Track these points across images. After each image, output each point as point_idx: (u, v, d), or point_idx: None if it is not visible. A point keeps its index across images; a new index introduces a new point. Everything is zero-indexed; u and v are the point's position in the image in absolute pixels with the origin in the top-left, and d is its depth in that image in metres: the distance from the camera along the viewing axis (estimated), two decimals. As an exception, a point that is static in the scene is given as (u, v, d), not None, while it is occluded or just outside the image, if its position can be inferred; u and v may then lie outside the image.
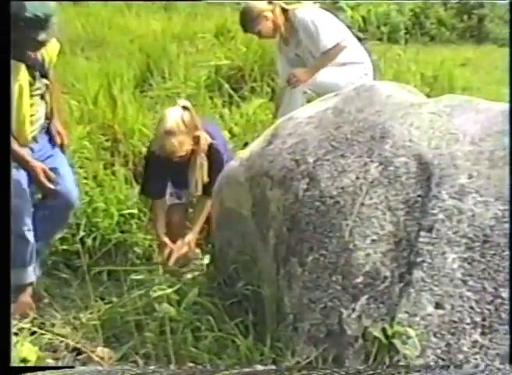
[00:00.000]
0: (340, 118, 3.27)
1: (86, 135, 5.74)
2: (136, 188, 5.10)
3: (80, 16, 9.90)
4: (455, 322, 2.60)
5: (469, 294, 2.64)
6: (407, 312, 2.64)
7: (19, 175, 3.77)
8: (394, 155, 2.98)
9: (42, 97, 3.91)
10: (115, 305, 3.98)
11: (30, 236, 3.95)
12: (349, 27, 5.30)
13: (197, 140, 4.21)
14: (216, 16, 9.32)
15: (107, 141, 5.87)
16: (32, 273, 4.08)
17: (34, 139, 3.91)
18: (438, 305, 2.63)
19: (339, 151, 3.10)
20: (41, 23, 3.58)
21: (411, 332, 2.58)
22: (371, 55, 5.29)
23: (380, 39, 8.55)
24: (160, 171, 4.34)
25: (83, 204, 4.71)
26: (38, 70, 3.84)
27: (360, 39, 5.31)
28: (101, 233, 4.62)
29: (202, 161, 4.26)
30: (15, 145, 3.71)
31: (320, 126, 3.28)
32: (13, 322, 3.61)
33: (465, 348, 2.57)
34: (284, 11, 5.17)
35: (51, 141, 4.06)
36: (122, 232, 4.76)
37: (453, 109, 3.17)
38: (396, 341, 2.58)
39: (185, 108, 4.20)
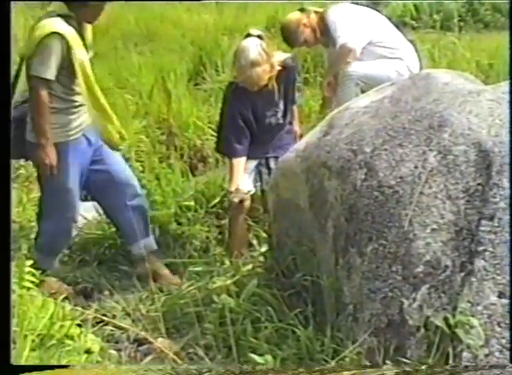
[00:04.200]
0: (397, 107, 3.24)
1: (142, 129, 5.82)
2: (193, 181, 5.14)
3: (132, 10, 10.00)
4: (519, 311, 2.58)
5: (533, 283, 2.61)
6: (469, 302, 2.62)
7: None
8: (453, 143, 2.94)
9: None
10: (175, 297, 4.03)
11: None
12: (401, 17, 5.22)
13: (273, 66, 4.26)
14: (267, 8, 9.32)
15: (162, 134, 5.94)
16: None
17: None
18: (501, 294, 2.60)
19: (397, 141, 3.07)
20: None
21: (475, 321, 2.55)
22: (417, 49, 5.21)
23: (433, 27, 8.45)
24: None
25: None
26: None
27: (413, 28, 5.24)
28: (158, 226, 4.67)
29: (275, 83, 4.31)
30: None
31: (377, 115, 3.26)
32: (76, 313, 3.68)
33: (530, 338, 2.54)
34: (317, 13, 5.14)
35: None
36: (179, 224, 4.81)
37: (513, 96, 3.12)
38: (459, 331, 2.56)
39: (260, 37, 4.24)
